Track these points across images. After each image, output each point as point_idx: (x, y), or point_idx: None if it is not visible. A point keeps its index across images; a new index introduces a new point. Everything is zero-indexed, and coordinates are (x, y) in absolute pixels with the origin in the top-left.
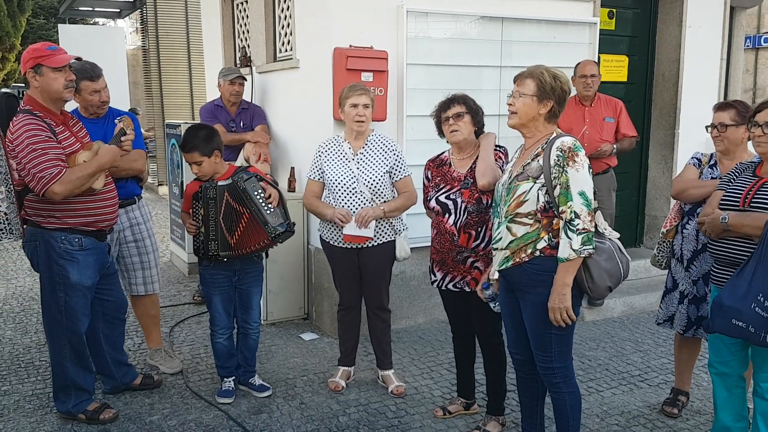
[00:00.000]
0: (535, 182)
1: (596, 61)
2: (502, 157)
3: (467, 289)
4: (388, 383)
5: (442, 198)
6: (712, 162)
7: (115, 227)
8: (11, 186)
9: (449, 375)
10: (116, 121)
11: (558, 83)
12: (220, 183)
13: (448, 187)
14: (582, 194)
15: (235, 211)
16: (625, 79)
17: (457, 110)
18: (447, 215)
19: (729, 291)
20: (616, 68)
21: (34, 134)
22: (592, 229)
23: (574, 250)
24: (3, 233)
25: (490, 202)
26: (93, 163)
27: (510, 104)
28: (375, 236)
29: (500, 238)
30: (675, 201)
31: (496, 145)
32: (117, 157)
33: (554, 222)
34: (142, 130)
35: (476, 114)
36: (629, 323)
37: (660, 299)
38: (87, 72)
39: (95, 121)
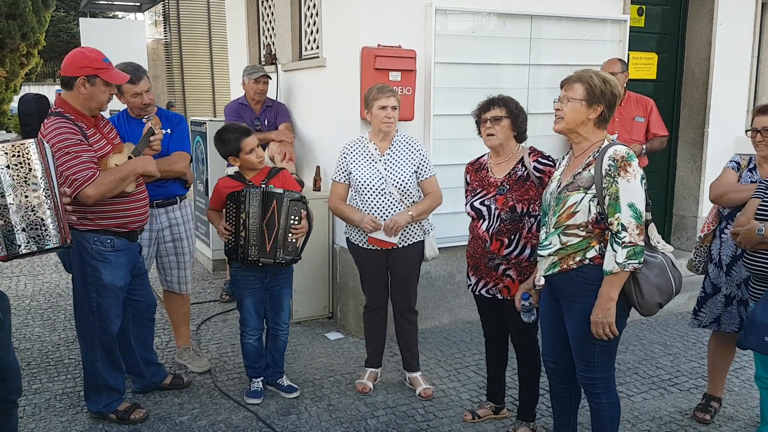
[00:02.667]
0: (586, 193)
1: (622, 59)
2: (550, 172)
3: (499, 296)
4: (415, 385)
5: (476, 203)
6: (751, 165)
7: (155, 226)
8: (50, 192)
9: (476, 377)
10: (144, 119)
11: (608, 87)
12: (273, 189)
13: (484, 192)
14: (631, 206)
15: (275, 220)
16: (654, 76)
17: (495, 113)
18: (481, 221)
19: (763, 306)
20: (646, 66)
21: (66, 137)
22: (641, 244)
23: (618, 264)
24: (40, 239)
25: (525, 210)
26: (125, 168)
27: (557, 109)
28: (405, 237)
29: (548, 245)
30: (712, 205)
31: (538, 152)
32: (149, 163)
33: (606, 233)
34: (156, 127)
35: (516, 118)
36: (657, 325)
37: (696, 304)
38: (128, 74)
39: (142, 122)
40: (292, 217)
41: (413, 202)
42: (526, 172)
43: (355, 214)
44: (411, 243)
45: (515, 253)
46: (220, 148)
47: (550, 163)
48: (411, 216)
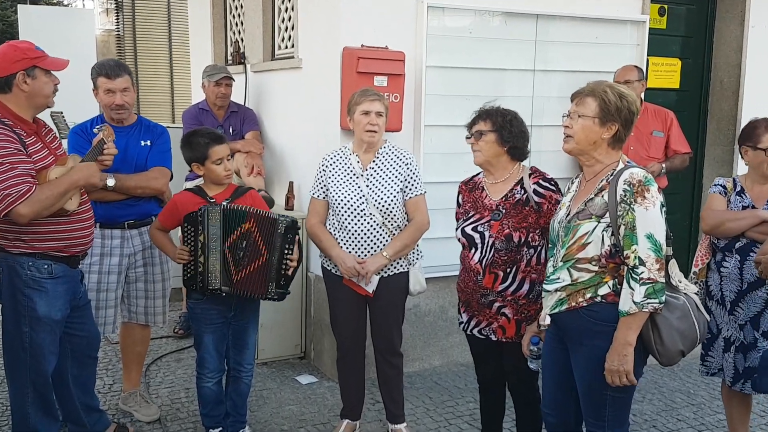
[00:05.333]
0: (599, 222)
1: (639, 66)
2: (551, 198)
3: (493, 337)
4: None
5: (468, 229)
6: (738, 189)
7: (126, 250)
8: None
9: (471, 429)
10: (95, 129)
11: (624, 103)
12: (272, 215)
13: (477, 216)
14: (650, 237)
15: (255, 246)
16: (677, 85)
17: (479, 127)
18: (473, 250)
19: None
20: (667, 73)
21: (1, 146)
22: (660, 280)
23: (635, 303)
24: None
25: (522, 239)
26: (64, 181)
27: (566, 126)
28: (385, 268)
29: (556, 279)
30: (704, 235)
31: (540, 173)
32: (94, 174)
33: (622, 268)
34: (108, 139)
35: (502, 131)
36: (679, 371)
37: (702, 347)
38: (104, 68)
39: (118, 129)
40: (287, 246)
41: (398, 226)
42: (525, 196)
43: (334, 249)
44: (393, 274)
45: (511, 289)
46: (185, 151)
47: (552, 187)
48: (386, 258)
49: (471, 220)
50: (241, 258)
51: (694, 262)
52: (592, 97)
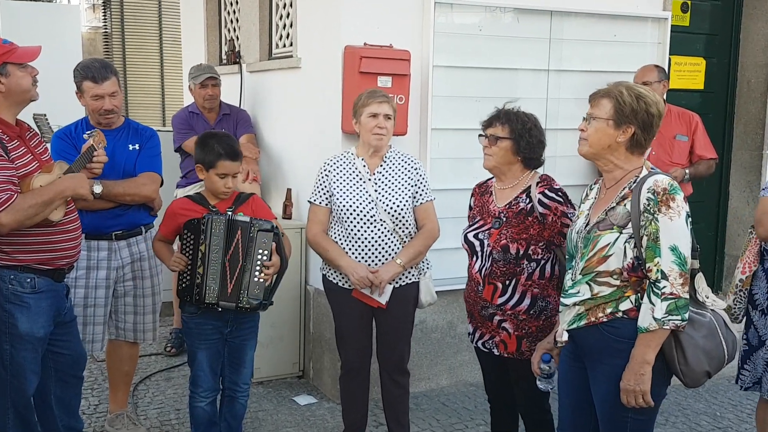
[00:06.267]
0: (621, 232)
1: (661, 65)
2: (556, 209)
3: (495, 352)
4: None
5: (470, 235)
6: None
7: (114, 263)
8: None
9: None
10: (85, 135)
11: (642, 105)
12: (238, 217)
13: (481, 222)
14: (674, 250)
15: (238, 254)
16: (701, 86)
17: (495, 132)
18: (474, 258)
19: None
20: (691, 73)
21: None
22: (684, 296)
23: (655, 320)
24: None
25: (521, 252)
26: (50, 190)
27: (582, 129)
28: (396, 278)
29: (575, 293)
30: (753, 241)
31: (547, 181)
32: (82, 184)
33: (645, 282)
34: (99, 146)
35: (520, 140)
36: (705, 392)
37: (739, 360)
38: (90, 71)
39: (105, 132)
40: (260, 251)
41: (410, 234)
42: (530, 205)
43: (343, 258)
44: (403, 284)
45: (511, 303)
46: (198, 150)
47: (559, 198)
48: (401, 266)
49: (475, 225)
50: (234, 268)
51: (740, 269)
52: (607, 98)
